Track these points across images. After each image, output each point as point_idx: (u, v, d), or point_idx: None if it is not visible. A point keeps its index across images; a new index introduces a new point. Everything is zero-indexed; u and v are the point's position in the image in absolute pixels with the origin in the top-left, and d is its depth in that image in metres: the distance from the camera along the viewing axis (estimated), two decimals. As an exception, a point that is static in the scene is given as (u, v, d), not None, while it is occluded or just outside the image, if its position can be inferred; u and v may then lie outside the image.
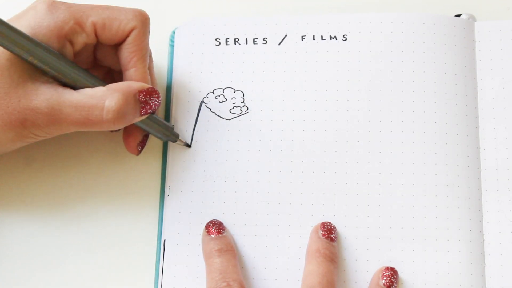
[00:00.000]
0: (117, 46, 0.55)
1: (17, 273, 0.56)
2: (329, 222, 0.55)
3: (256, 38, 0.60)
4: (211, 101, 0.59)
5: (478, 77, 0.59)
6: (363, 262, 0.55)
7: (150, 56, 0.57)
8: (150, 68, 0.57)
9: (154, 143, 0.58)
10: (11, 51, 0.50)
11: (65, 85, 0.52)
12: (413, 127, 0.57)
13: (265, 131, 0.58)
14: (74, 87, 0.52)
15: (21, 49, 0.50)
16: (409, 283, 0.54)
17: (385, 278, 0.54)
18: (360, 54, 0.59)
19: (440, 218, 0.55)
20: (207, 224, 0.55)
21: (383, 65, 0.59)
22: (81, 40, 0.53)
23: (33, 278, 0.56)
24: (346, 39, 0.60)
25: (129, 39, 0.54)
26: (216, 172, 0.57)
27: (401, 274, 0.54)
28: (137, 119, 0.54)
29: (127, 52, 0.54)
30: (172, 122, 0.58)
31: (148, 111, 0.54)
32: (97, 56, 0.56)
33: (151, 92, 0.53)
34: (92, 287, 0.55)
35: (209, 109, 0.58)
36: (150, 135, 0.58)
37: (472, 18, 0.60)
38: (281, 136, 0.58)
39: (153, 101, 0.54)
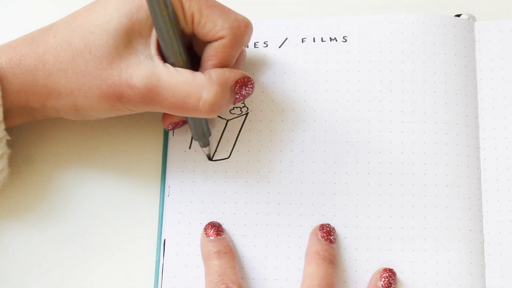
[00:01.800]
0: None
1: (14, 274, 0.56)
2: (328, 224, 0.55)
3: (257, 42, 0.61)
4: (211, 101, 0.59)
5: (478, 77, 0.59)
6: (363, 262, 0.55)
7: (242, 55, 0.56)
8: (235, 66, 0.56)
9: (153, 143, 0.59)
10: None
11: (164, 60, 0.51)
12: (413, 127, 0.57)
13: (265, 132, 0.58)
14: (173, 64, 0.51)
15: None
16: (409, 283, 0.54)
17: (383, 280, 0.53)
18: (360, 54, 0.59)
19: (440, 218, 0.55)
20: (206, 226, 0.55)
21: (383, 65, 0.59)
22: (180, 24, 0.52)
23: (31, 277, 0.56)
24: (346, 41, 0.60)
25: (214, 44, 0.52)
26: (216, 173, 0.57)
27: (401, 274, 0.54)
28: (228, 107, 0.54)
29: (207, 53, 0.53)
30: (172, 122, 0.59)
31: (241, 100, 0.54)
32: (192, 42, 0.55)
33: (246, 83, 0.53)
34: (92, 287, 0.55)
35: (209, 110, 0.59)
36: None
37: (472, 18, 0.60)
38: (281, 136, 0.58)
39: (247, 91, 0.54)
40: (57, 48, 0.52)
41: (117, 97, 0.51)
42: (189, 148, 0.58)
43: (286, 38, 0.61)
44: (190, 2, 0.51)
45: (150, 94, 0.50)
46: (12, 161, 0.56)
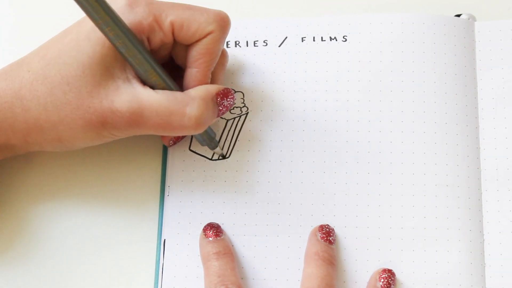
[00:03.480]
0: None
1: (13, 273, 0.56)
2: (328, 225, 0.55)
3: (257, 41, 0.61)
4: (211, 101, 0.59)
5: (478, 77, 0.59)
6: (363, 262, 0.55)
7: (226, 57, 0.57)
8: (221, 68, 0.56)
9: (153, 143, 0.58)
10: (98, 26, 0.48)
11: (143, 82, 0.51)
12: (413, 127, 0.57)
13: (265, 132, 0.58)
14: (152, 86, 0.51)
15: (104, 23, 0.48)
16: (409, 283, 0.54)
17: (382, 280, 0.53)
18: (360, 54, 0.59)
19: (440, 218, 0.55)
20: (205, 227, 0.55)
21: (383, 65, 0.59)
22: (158, 38, 0.52)
23: (30, 276, 0.56)
24: (346, 40, 0.60)
25: (203, 41, 0.52)
26: (216, 172, 0.57)
27: (401, 274, 0.54)
28: (213, 121, 0.54)
29: (196, 52, 0.53)
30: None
31: (224, 112, 0.54)
32: (172, 54, 0.55)
33: (227, 94, 0.53)
34: (92, 287, 0.56)
35: (209, 110, 0.59)
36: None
37: (472, 18, 0.60)
38: (281, 136, 0.58)
39: (229, 102, 0.54)
40: (33, 83, 0.51)
41: (102, 124, 0.50)
42: (189, 147, 0.58)
43: (286, 37, 0.61)
44: (165, 13, 0.52)
45: (134, 117, 0.50)
46: (13, 161, 0.56)
